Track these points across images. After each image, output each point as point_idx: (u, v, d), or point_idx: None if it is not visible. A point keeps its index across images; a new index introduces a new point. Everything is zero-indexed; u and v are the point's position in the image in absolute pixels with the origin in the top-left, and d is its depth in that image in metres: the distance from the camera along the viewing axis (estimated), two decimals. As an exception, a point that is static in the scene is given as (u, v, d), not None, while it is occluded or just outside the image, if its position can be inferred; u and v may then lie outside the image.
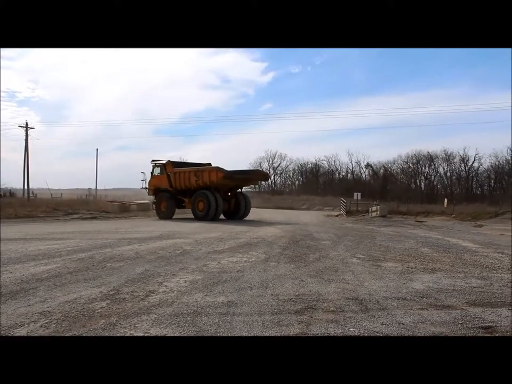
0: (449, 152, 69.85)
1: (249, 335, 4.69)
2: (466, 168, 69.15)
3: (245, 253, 10.71)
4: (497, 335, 4.87)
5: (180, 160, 31.75)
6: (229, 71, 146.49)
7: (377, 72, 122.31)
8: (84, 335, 4.63)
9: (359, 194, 35.24)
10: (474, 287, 7.20)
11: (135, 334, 4.67)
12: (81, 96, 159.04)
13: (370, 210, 30.13)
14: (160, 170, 26.56)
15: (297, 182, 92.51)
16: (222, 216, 25.36)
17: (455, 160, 70.35)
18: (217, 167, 24.27)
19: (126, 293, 6.39)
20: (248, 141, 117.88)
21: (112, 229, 17.73)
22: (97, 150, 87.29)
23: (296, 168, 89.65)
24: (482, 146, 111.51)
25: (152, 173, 27.17)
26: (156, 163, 27.19)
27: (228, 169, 24.23)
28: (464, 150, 74.06)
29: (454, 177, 70.79)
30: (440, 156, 70.95)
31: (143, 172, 27.78)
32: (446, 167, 71.08)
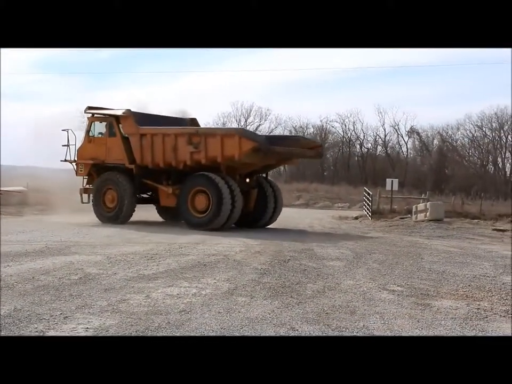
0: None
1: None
2: None
3: (195, 279, 10.79)
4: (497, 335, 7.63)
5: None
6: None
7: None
8: (84, 335, 7.04)
9: (396, 181, 35.48)
10: None
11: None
12: None
13: (414, 210, 30.42)
14: (109, 130, 24.66)
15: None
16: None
17: None
18: (242, 129, 22.99)
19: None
20: (201, 86, 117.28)
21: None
22: None
23: (287, 134, 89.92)
24: None
25: (89, 132, 25.29)
26: (96, 114, 25.23)
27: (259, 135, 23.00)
28: None
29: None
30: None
31: (66, 130, 25.51)
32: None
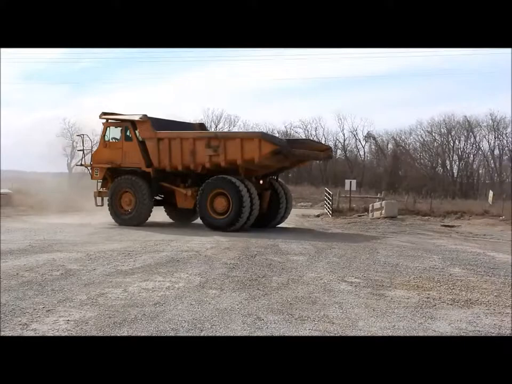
0: (498, 117, 71.80)
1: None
2: (524, 142, 71.16)
3: (168, 274, 10.78)
4: (497, 335, 7.25)
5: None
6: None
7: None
8: (84, 335, 6.79)
9: (354, 182, 35.71)
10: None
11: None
12: None
13: (371, 208, 30.63)
14: (125, 134, 23.47)
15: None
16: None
17: (507, 131, 72.22)
18: (262, 132, 22.47)
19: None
20: (172, 93, 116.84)
21: None
22: None
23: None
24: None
25: (104, 137, 24.05)
26: (110, 119, 24.01)
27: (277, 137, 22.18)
28: (522, 114, 75.94)
29: (505, 157, 72.80)
30: (485, 123, 72.80)
31: (80, 135, 24.69)
32: (493, 141, 73.09)
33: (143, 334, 6.82)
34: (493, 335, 7.28)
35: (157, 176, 22.69)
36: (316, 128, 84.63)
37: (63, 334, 6.77)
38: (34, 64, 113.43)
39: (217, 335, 6.88)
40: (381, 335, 7.09)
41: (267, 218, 23.29)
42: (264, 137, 21.34)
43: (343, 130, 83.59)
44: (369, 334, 7.11)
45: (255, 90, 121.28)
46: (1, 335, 6.71)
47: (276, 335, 6.95)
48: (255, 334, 6.94)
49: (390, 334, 7.11)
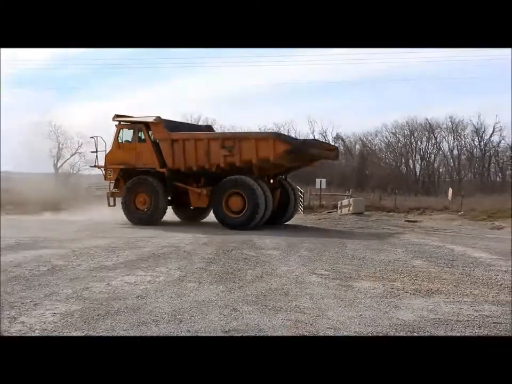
0: (457, 120, 72.40)
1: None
2: (482, 143, 71.96)
3: (149, 269, 10.74)
4: (497, 335, 6.86)
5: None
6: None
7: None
8: (84, 335, 6.46)
9: (324, 181, 35.83)
10: (487, 317, 7.62)
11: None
12: None
13: (340, 205, 30.78)
14: (138, 135, 22.85)
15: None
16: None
17: (465, 132, 72.93)
18: (275, 132, 21.71)
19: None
20: (153, 99, 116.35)
21: None
22: None
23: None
24: (506, 113, 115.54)
25: (117, 138, 23.21)
26: (123, 121, 23.28)
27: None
28: (479, 117, 76.47)
29: (463, 157, 73.51)
30: (444, 125, 73.44)
31: (94, 137, 23.61)
32: (452, 142, 73.77)
33: (125, 326, 6.78)
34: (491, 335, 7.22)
35: (170, 176, 22.07)
36: (288, 130, 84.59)
37: (50, 326, 6.71)
38: (21, 70, 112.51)
39: (196, 326, 6.86)
40: (363, 335, 7.08)
41: (277, 216, 22.87)
42: (278, 136, 21.27)
43: (313, 132, 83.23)
44: (344, 329, 7.12)
45: (229, 94, 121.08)
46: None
47: (251, 325, 6.94)
48: (231, 324, 6.93)
49: (357, 323, 7.14)
